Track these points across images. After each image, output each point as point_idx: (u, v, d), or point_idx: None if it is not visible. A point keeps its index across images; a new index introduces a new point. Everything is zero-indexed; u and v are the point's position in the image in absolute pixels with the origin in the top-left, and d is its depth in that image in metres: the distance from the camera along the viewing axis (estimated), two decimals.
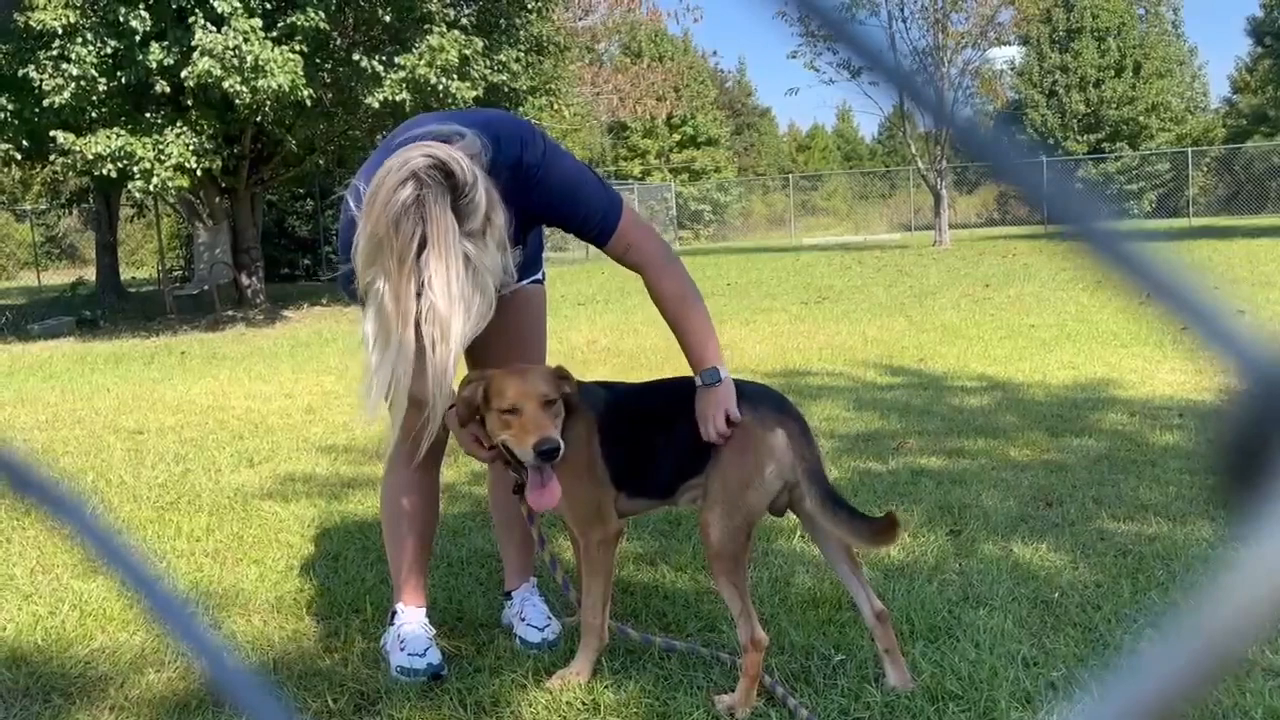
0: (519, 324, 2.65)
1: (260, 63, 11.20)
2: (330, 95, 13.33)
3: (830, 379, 6.68)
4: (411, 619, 2.56)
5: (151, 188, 12.12)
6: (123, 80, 11.78)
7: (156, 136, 12.00)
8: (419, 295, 1.97)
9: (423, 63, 12.40)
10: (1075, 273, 11.67)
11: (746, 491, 2.21)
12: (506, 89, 14.28)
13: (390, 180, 1.96)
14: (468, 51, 12.85)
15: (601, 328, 10.41)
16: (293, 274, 24.86)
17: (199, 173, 12.49)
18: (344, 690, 2.39)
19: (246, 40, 11.17)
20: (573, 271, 19.25)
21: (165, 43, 11.60)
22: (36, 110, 11.72)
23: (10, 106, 11.83)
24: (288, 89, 11.46)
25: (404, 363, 2.00)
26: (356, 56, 12.56)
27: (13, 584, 3.26)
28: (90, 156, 11.58)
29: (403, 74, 12.42)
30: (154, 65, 11.52)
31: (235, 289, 15.55)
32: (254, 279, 15.34)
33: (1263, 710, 2.09)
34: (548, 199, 2.28)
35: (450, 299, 1.95)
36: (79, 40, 11.39)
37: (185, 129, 12.13)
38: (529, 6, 14.57)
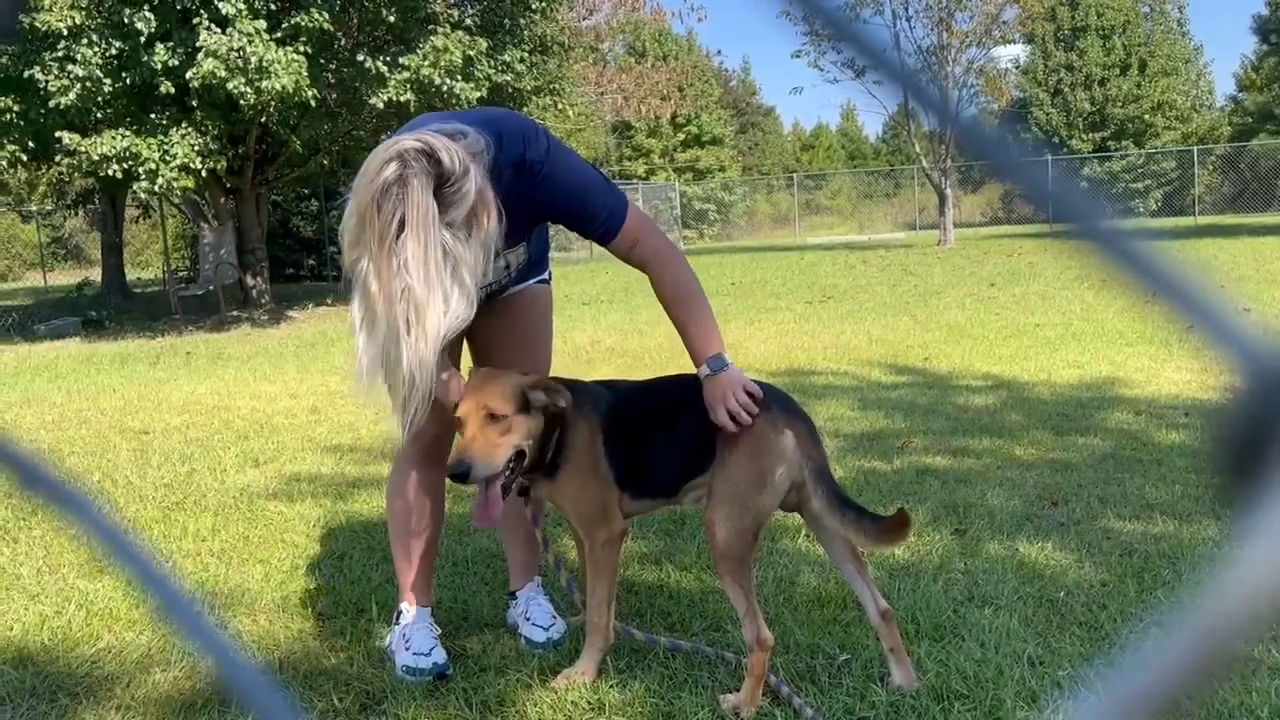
0: (524, 324, 2.65)
1: (264, 64, 11.22)
2: (335, 96, 13.35)
3: (835, 378, 6.67)
4: (417, 618, 2.57)
5: (157, 188, 12.14)
6: (128, 81, 11.80)
7: (162, 137, 12.03)
8: (398, 274, 1.95)
9: (427, 63, 12.41)
10: (1080, 272, 11.64)
11: (756, 493, 2.20)
12: (511, 89, 14.29)
13: (377, 160, 1.96)
14: (472, 52, 12.86)
15: (606, 327, 10.41)
16: (297, 274, 24.90)
17: (204, 173, 12.50)
18: (349, 689, 2.40)
19: (251, 41, 11.19)
20: (577, 271, 19.26)
21: (170, 44, 11.62)
22: (42, 111, 11.75)
23: (16, 108, 11.86)
24: (292, 90, 11.48)
25: (394, 343, 1.99)
26: (361, 57, 12.58)
27: (19, 584, 3.27)
28: (96, 157, 11.61)
29: (407, 74, 12.43)
30: (159, 66, 11.54)
31: (240, 289, 15.58)
32: (259, 279, 15.36)
33: (1269, 709, 2.08)
34: (553, 196, 2.28)
35: (427, 283, 1.93)
36: (84, 41, 11.42)
37: (190, 130, 12.15)
38: (533, 7, 14.57)
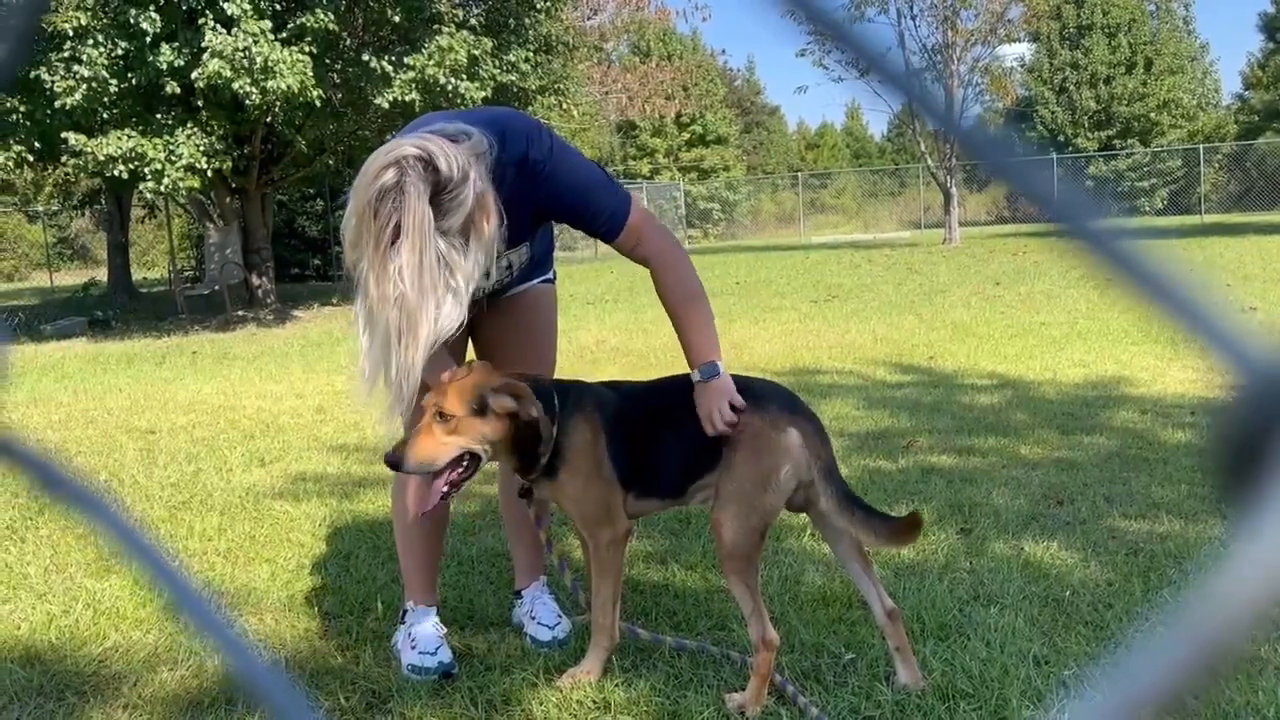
0: (529, 323, 2.65)
1: (270, 64, 11.24)
2: (340, 96, 13.37)
3: (840, 377, 6.67)
4: (423, 618, 2.57)
5: (162, 188, 12.17)
6: (134, 81, 11.83)
7: (167, 137, 12.06)
8: (392, 280, 1.96)
9: (432, 63, 12.42)
10: (1086, 271, 11.61)
11: (763, 492, 2.20)
12: (515, 89, 14.30)
13: (375, 164, 1.96)
14: (477, 52, 12.87)
15: (610, 327, 10.41)
16: (303, 274, 24.94)
17: (209, 173, 12.54)
18: (356, 688, 2.40)
19: (256, 41, 11.21)
20: (582, 270, 19.27)
21: (175, 44, 11.65)
22: (48, 112, 11.79)
23: (22, 108, 11.90)
24: (297, 90, 11.50)
25: (386, 347, 2.00)
26: (366, 57, 12.59)
27: (27, 583, 3.28)
28: (102, 158, 11.64)
29: (412, 74, 12.45)
30: (164, 66, 11.57)
31: (246, 289, 15.61)
32: (264, 279, 15.39)
33: (1275, 708, 2.08)
34: (556, 195, 2.28)
35: (420, 291, 1.93)
36: (90, 42, 11.45)
37: (196, 130, 12.18)
38: (538, 6, 14.58)
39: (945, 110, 0.32)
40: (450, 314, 1.99)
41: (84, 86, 11.45)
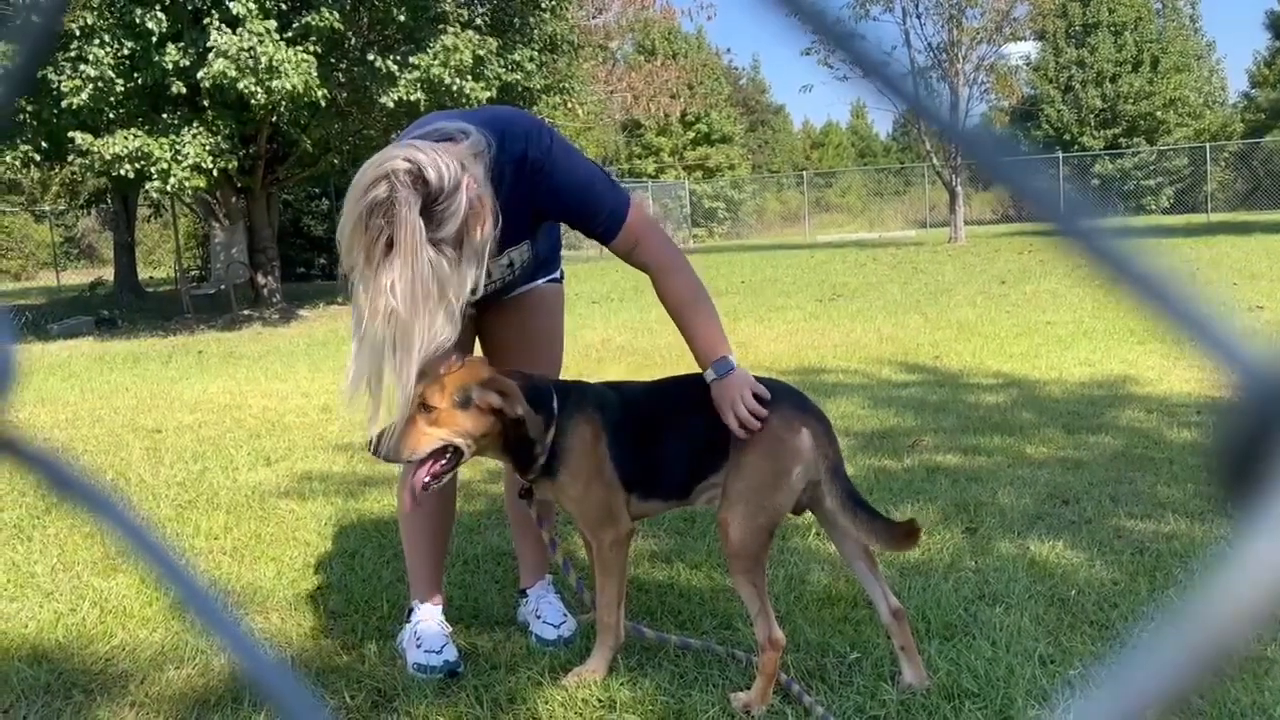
0: (535, 322, 2.65)
1: (275, 63, 11.26)
2: (345, 95, 13.39)
3: (845, 377, 6.67)
4: (428, 616, 2.58)
5: (168, 188, 12.20)
6: (139, 81, 11.86)
7: (173, 137, 12.09)
8: (384, 294, 1.96)
9: (437, 63, 12.43)
10: (1088, 274, 11.59)
11: (773, 492, 2.19)
12: (520, 88, 14.31)
13: (365, 178, 1.96)
14: (482, 51, 12.88)
15: (616, 326, 10.41)
16: (308, 273, 24.99)
17: (215, 173, 12.57)
18: (361, 687, 2.41)
19: (261, 41, 11.23)
20: (587, 269, 19.27)
21: (181, 44, 11.68)
22: (55, 111, 11.82)
23: (29, 108, 11.93)
24: (302, 89, 11.52)
25: (377, 358, 2.01)
26: (371, 57, 12.61)
27: (34, 581, 3.29)
28: (108, 157, 11.67)
29: (417, 74, 12.46)
30: (170, 66, 11.59)
31: (251, 288, 15.64)
32: (270, 278, 15.42)
33: None
34: (553, 194, 2.28)
35: (412, 306, 1.94)
36: (96, 42, 11.48)
37: (201, 129, 12.21)
38: (542, 6, 14.58)
39: (945, 114, 0.32)
40: (442, 328, 2.00)
41: (90, 86, 11.48)
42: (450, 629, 2.59)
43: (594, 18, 24.83)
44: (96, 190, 20.84)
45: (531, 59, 14.33)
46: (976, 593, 2.80)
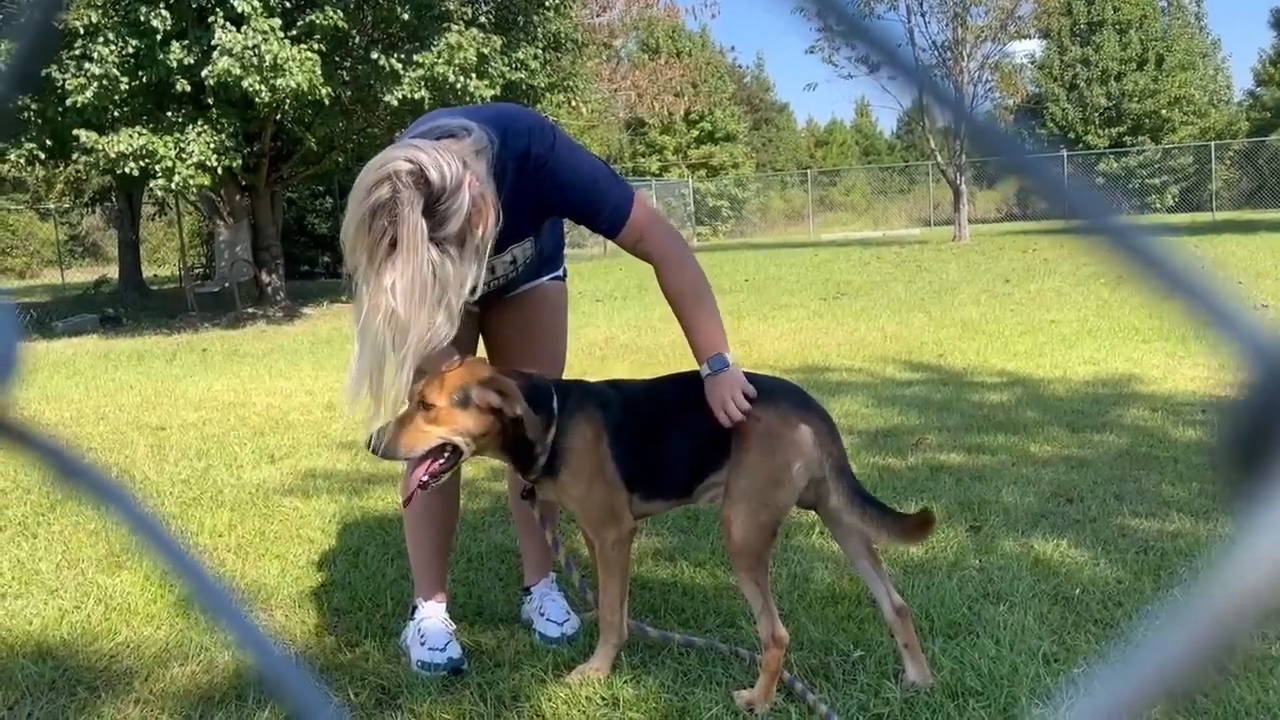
0: (538, 320, 2.65)
1: (279, 62, 11.27)
2: (349, 93, 13.40)
3: (849, 375, 6.66)
4: (432, 614, 2.58)
5: (173, 186, 12.22)
6: (144, 79, 11.87)
7: (178, 135, 12.10)
8: (385, 293, 1.97)
9: (441, 61, 12.44)
10: (1096, 268, 11.59)
11: (775, 490, 2.19)
12: (524, 86, 14.31)
13: (368, 179, 1.96)
14: (486, 50, 12.88)
15: (619, 324, 10.41)
16: (312, 271, 25.01)
17: (220, 171, 12.58)
18: (365, 684, 2.41)
19: (266, 39, 11.24)
20: (590, 267, 19.27)
21: (185, 42, 11.69)
22: (59, 109, 11.84)
23: (34, 106, 11.95)
24: (306, 88, 11.53)
25: (378, 356, 2.01)
26: (375, 55, 12.61)
27: (39, 578, 3.29)
28: (113, 155, 11.69)
29: (421, 72, 12.46)
30: (175, 64, 11.61)
31: (256, 286, 15.66)
32: (274, 276, 15.44)
33: None
34: (557, 190, 2.28)
35: (411, 305, 1.94)
36: (101, 40, 11.49)
37: (206, 127, 12.22)
38: (547, 4, 14.58)
39: (957, 104, 0.32)
40: (441, 327, 2.00)
41: (95, 84, 11.49)
42: (454, 626, 2.59)
43: (598, 16, 24.83)
44: (101, 188, 20.87)
45: (535, 57, 14.33)
46: (980, 591, 2.80)
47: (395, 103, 12.62)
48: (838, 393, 5.92)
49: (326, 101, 12.28)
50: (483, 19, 13.82)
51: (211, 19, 11.47)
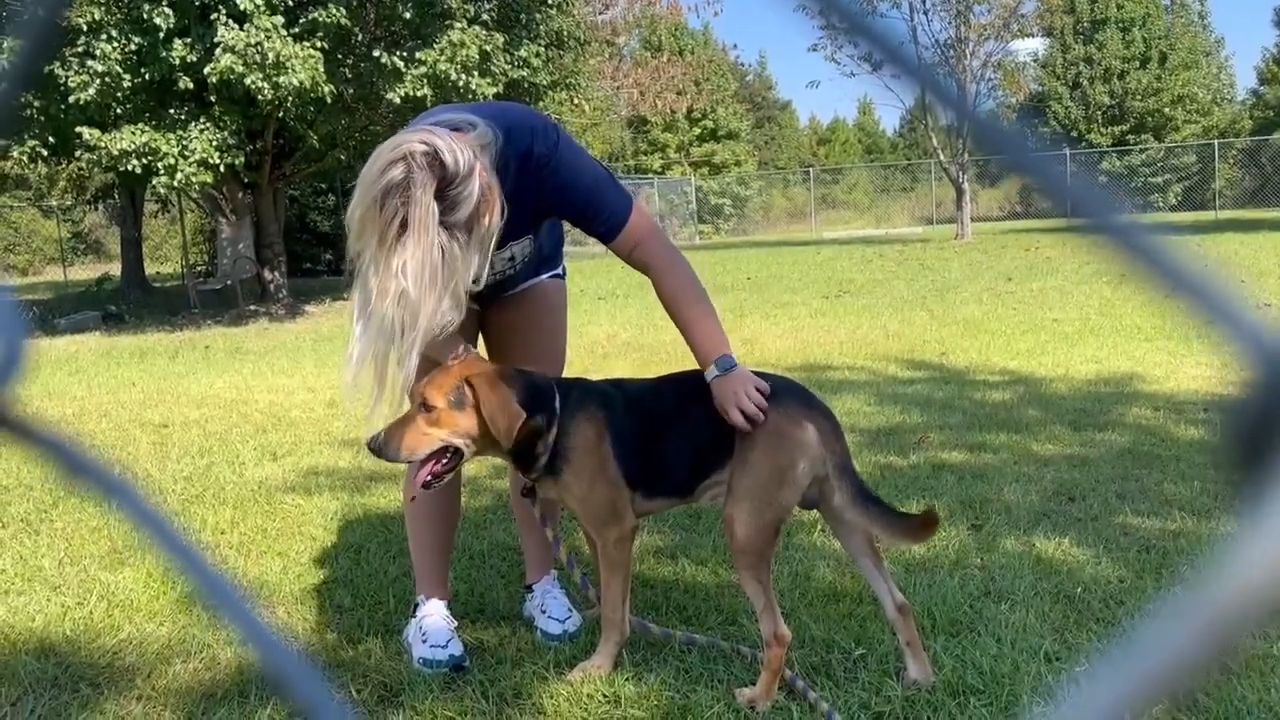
0: (538, 318, 2.65)
1: (281, 59, 11.27)
2: (351, 91, 13.40)
3: (851, 373, 6.66)
4: (433, 611, 2.58)
5: (176, 183, 12.23)
6: (147, 77, 11.88)
7: (180, 132, 12.11)
8: (395, 276, 1.97)
9: (444, 59, 12.43)
10: (1099, 266, 11.58)
11: (779, 489, 2.19)
12: (527, 84, 14.31)
13: (382, 159, 1.97)
14: (488, 47, 12.88)
15: (622, 322, 10.41)
16: (315, 269, 25.02)
17: (222, 168, 12.58)
18: (367, 681, 2.41)
19: (268, 37, 11.24)
20: (593, 265, 19.27)
21: (188, 39, 11.70)
22: (62, 107, 11.84)
23: (36, 103, 11.95)
24: (309, 85, 11.53)
25: (385, 340, 2.01)
26: (377, 53, 12.61)
27: (41, 575, 3.30)
28: (115, 152, 11.70)
29: (423, 70, 12.46)
30: (177, 62, 11.61)
31: (258, 284, 15.67)
32: (277, 274, 15.45)
33: None
34: (557, 190, 2.29)
35: (421, 285, 1.95)
36: (104, 37, 11.50)
37: (208, 125, 12.23)
38: (549, 1, 14.57)
39: (960, 102, 0.32)
40: (448, 311, 2.01)
41: (97, 82, 11.50)
42: (455, 624, 2.59)
43: (600, 13, 24.80)
44: (104, 186, 20.90)
45: (538, 55, 14.32)
46: (982, 589, 2.80)
47: (398, 100, 12.62)
48: (840, 391, 5.92)
49: (329, 99, 12.28)
50: (485, 16, 13.82)
51: (214, 16, 11.47)
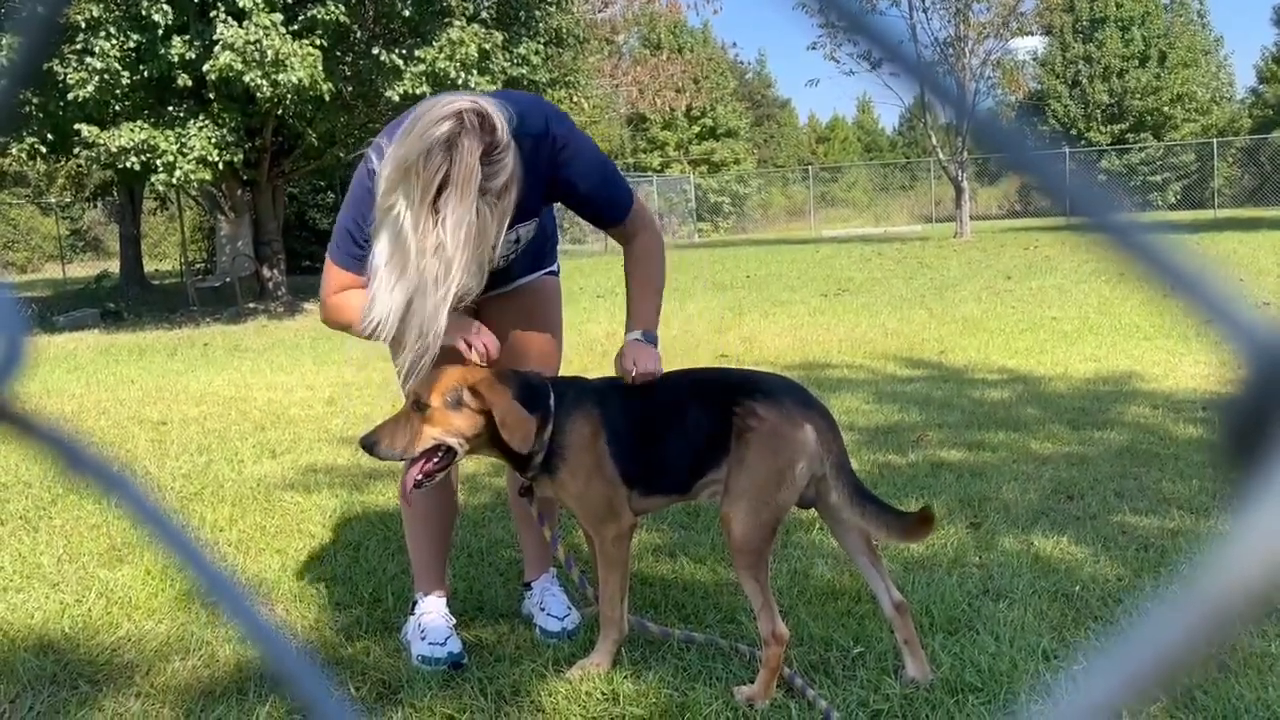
0: (534, 315, 2.65)
1: (280, 57, 11.27)
2: (350, 89, 13.39)
3: (850, 372, 6.66)
4: (432, 608, 2.58)
5: (174, 180, 12.22)
6: (145, 74, 11.87)
7: (179, 130, 12.10)
8: (436, 229, 1.98)
9: (442, 56, 12.43)
10: (1098, 265, 11.58)
11: (777, 488, 2.19)
12: (526, 82, 14.30)
13: (433, 113, 1.98)
14: (487, 45, 12.88)
15: (620, 320, 10.38)
16: (313, 266, 24.93)
17: (221, 166, 12.57)
18: (366, 679, 2.41)
19: (267, 34, 11.23)
20: (591, 263, 19.26)
21: (187, 36, 11.69)
22: (61, 104, 11.83)
23: (35, 100, 11.94)
24: (307, 83, 11.53)
25: (420, 295, 2.01)
26: (376, 50, 12.61)
27: (40, 572, 3.30)
28: (114, 150, 11.69)
29: (422, 67, 12.46)
30: (176, 59, 11.61)
31: (257, 281, 15.66)
32: (275, 271, 15.44)
33: None
34: (572, 174, 2.31)
35: (457, 244, 1.97)
36: (102, 34, 11.49)
37: (207, 122, 12.22)
38: None
39: (959, 101, 0.32)
40: (472, 273, 2.05)
41: (96, 79, 11.49)
42: (454, 621, 2.60)
43: (600, 11, 24.79)
44: (102, 183, 20.87)
45: (537, 53, 14.31)
46: (980, 588, 2.80)
47: (397, 98, 12.61)
48: (838, 389, 5.92)
49: (328, 97, 12.27)
50: (484, 14, 13.82)
51: (213, 14, 11.46)
